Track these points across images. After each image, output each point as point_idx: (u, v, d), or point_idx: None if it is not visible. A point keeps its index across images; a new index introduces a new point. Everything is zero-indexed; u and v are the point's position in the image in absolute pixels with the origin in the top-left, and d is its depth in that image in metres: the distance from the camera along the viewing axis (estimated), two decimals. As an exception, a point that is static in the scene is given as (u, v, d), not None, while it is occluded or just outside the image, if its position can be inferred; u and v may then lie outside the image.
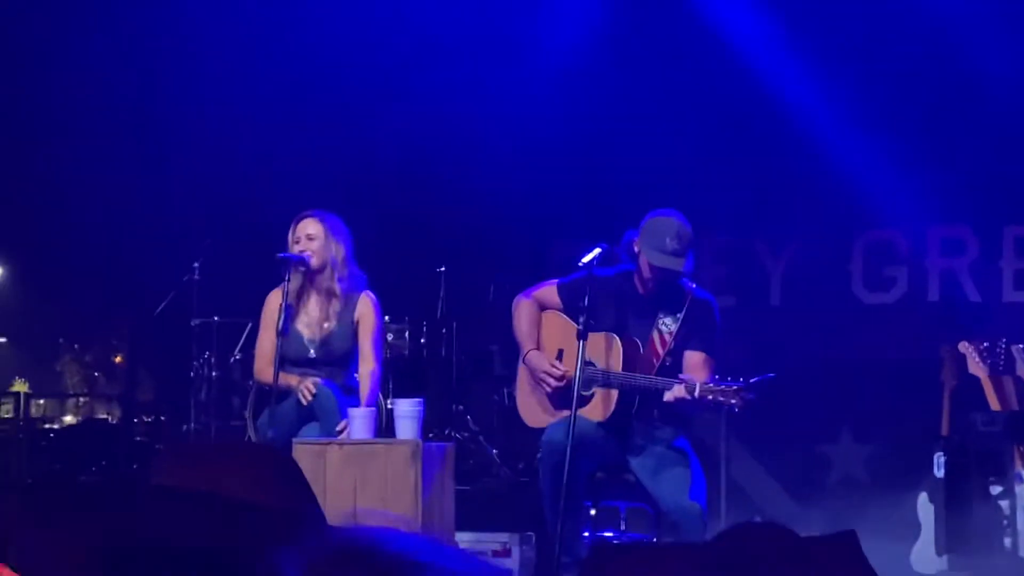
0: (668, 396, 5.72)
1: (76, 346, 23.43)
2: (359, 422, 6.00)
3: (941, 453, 7.32)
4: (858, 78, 8.94)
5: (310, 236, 6.57)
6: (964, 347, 7.39)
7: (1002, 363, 7.30)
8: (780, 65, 8.95)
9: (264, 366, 6.49)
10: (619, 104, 9.24)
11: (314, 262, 6.55)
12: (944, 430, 7.40)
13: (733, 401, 5.59)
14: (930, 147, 8.70)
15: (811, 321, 9.18)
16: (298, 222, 6.63)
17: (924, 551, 7.39)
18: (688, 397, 5.64)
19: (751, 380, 5.60)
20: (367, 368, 6.54)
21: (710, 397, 5.62)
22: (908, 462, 7.87)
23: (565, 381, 6.06)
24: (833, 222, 9.13)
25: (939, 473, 7.33)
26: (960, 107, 8.64)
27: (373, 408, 6.24)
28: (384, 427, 6.65)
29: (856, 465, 8.86)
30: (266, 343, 6.58)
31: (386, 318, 7.41)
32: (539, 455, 6.06)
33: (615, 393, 5.97)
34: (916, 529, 7.48)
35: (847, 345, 8.99)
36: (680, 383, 5.68)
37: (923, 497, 7.44)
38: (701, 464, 6.06)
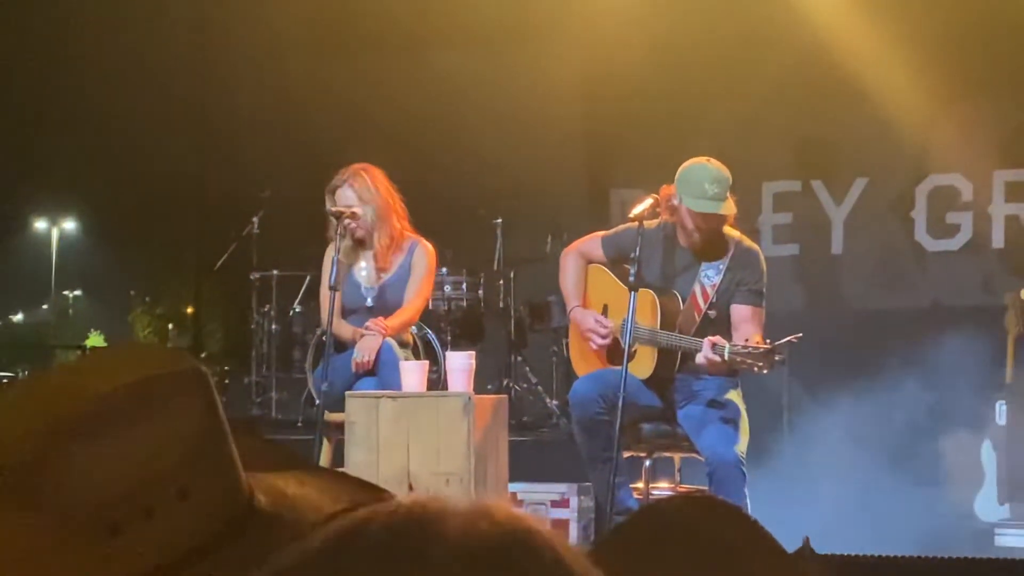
0: (699, 359, 5.55)
1: (147, 298, 23.68)
2: (410, 375, 6.03)
3: (1003, 401, 7.25)
4: (920, 20, 8.79)
5: (359, 194, 6.55)
6: (1028, 294, 7.30)
7: (1067, 310, 7.21)
8: (839, 10, 8.81)
9: (325, 318, 6.53)
10: (678, 51, 9.14)
11: (367, 218, 6.55)
12: (1008, 377, 7.33)
13: (761, 364, 5.34)
14: (992, 91, 8.55)
15: (874, 269, 9.09)
16: (344, 177, 6.57)
17: (987, 499, 7.33)
18: (718, 359, 5.46)
19: (776, 342, 5.35)
20: (402, 306, 6.56)
21: (738, 359, 5.40)
22: (971, 410, 7.78)
23: (610, 338, 6.03)
24: (896, 168, 9.01)
25: (1001, 421, 7.26)
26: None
27: (425, 361, 6.26)
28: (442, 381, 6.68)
29: (919, 412, 8.76)
30: (323, 296, 6.63)
31: (443, 269, 7.41)
32: (570, 411, 6.02)
33: (657, 350, 5.91)
34: (980, 477, 7.42)
35: (910, 293, 8.90)
36: (709, 344, 5.47)
37: (987, 445, 7.37)
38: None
